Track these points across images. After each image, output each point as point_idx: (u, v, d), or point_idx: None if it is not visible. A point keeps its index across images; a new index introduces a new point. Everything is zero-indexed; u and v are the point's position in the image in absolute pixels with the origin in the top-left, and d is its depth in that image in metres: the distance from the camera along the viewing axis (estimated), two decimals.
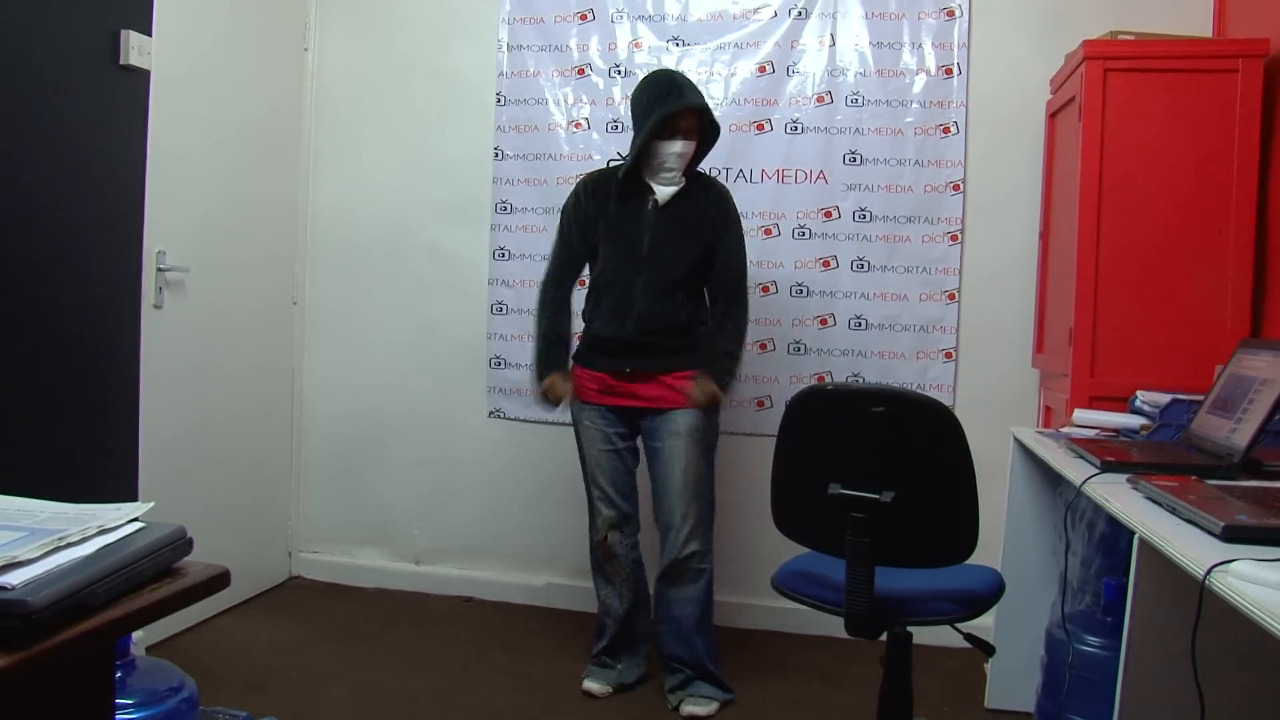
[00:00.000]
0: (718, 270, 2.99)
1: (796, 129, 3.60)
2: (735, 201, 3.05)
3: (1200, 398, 2.31)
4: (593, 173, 3.17)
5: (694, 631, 2.95)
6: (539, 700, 2.97)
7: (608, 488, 3.02)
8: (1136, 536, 1.61)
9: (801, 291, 3.61)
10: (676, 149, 2.88)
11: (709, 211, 2.98)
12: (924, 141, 3.53)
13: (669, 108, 2.85)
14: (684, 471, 2.91)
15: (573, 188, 3.13)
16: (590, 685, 3.01)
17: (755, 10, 3.64)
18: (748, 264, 3.06)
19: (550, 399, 3.05)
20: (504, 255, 3.85)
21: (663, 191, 2.94)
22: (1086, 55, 2.90)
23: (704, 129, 2.95)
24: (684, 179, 2.96)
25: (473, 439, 3.93)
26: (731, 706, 2.95)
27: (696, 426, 2.92)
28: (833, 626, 2.38)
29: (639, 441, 3.06)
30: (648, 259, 2.94)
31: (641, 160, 2.93)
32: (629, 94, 3.68)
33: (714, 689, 2.95)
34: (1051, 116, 3.34)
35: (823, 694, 3.07)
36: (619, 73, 3.74)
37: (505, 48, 3.84)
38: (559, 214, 3.11)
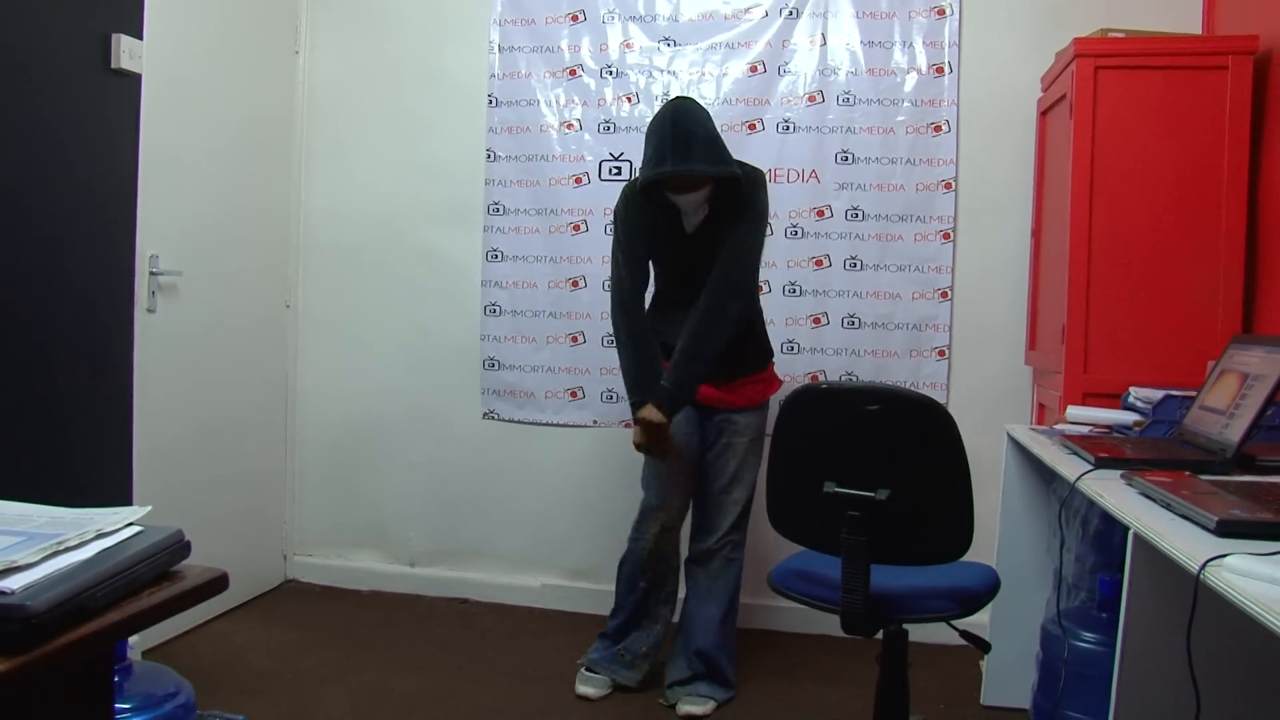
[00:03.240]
0: (721, 253, 2.85)
1: (788, 128, 3.60)
2: (764, 186, 2.91)
3: (1193, 393, 2.32)
4: (635, 181, 3.02)
5: (720, 624, 2.97)
6: (535, 701, 2.97)
7: (678, 480, 2.98)
8: (1131, 532, 1.62)
9: (794, 291, 3.61)
10: (683, 201, 2.85)
11: (749, 208, 2.88)
12: (915, 140, 3.54)
13: (644, 176, 2.82)
14: (740, 468, 2.97)
15: (620, 192, 3.03)
16: (584, 689, 3.00)
17: (746, 10, 3.65)
18: (753, 253, 2.92)
19: (651, 434, 2.84)
20: (497, 257, 3.85)
21: (690, 223, 2.92)
22: (1077, 53, 2.91)
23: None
24: (708, 211, 2.88)
25: (467, 441, 3.92)
26: (728, 706, 2.95)
27: (755, 429, 2.99)
28: (829, 625, 2.39)
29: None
30: (699, 273, 2.88)
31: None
32: (620, 94, 3.72)
33: (713, 687, 2.94)
34: (1043, 114, 3.35)
35: (819, 692, 3.08)
36: (610, 73, 3.74)
37: (496, 49, 3.84)
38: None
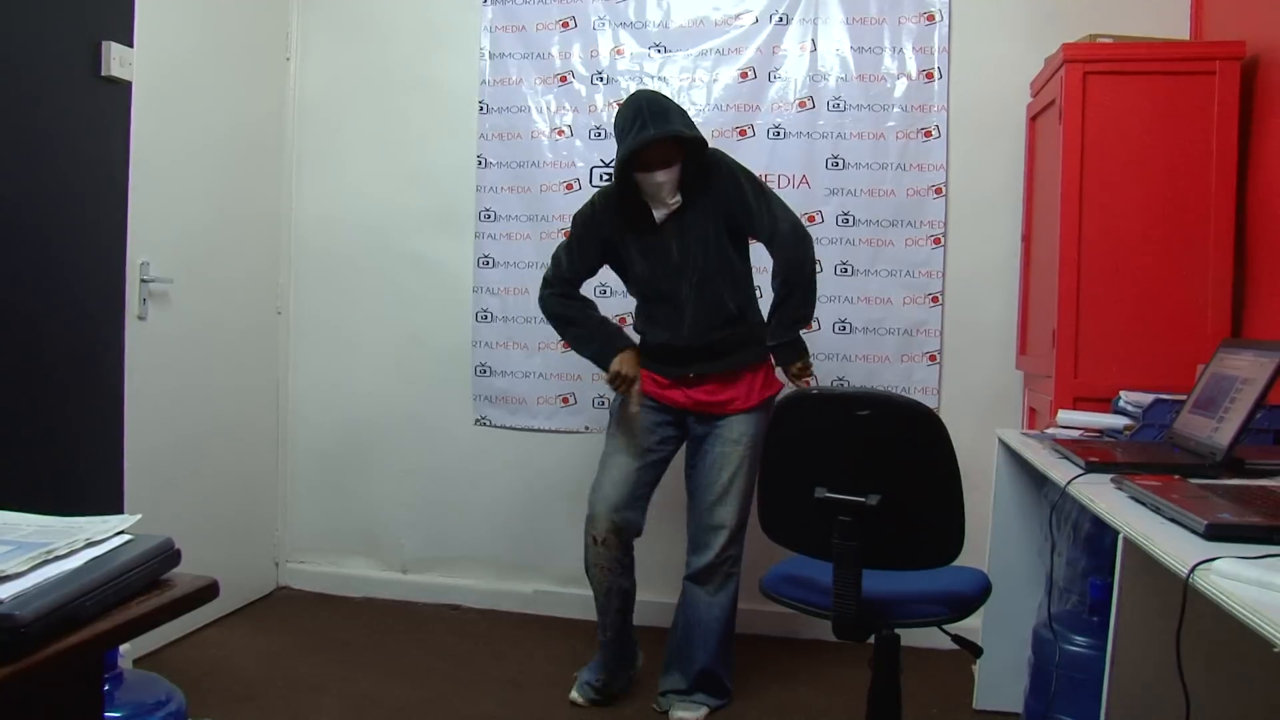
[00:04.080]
0: (763, 235, 2.91)
1: (779, 134, 3.61)
2: (728, 158, 2.95)
3: (1183, 397, 2.32)
4: (606, 187, 3.09)
5: (718, 639, 2.93)
6: (528, 708, 2.97)
7: (624, 488, 2.91)
8: (1121, 536, 1.62)
9: None
10: (655, 180, 2.83)
11: (724, 192, 2.89)
12: (906, 145, 3.55)
13: (628, 146, 2.79)
14: (733, 479, 2.88)
15: (589, 198, 3.08)
16: (578, 696, 2.99)
17: (736, 16, 3.66)
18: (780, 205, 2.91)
19: (625, 379, 2.90)
20: (488, 263, 3.85)
21: (660, 214, 2.90)
22: (1066, 58, 2.92)
23: (689, 143, 2.84)
24: (679, 197, 2.87)
25: (459, 447, 3.92)
26: (721, 712, 2.95)
27: (750, 436, 2.89)
28: (821, 630, 2.39)
29: (683, 446, 3.02)
30: (681, 264, 2.90)
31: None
32: (611, 101, 3.72)
33: (707, 695, 2.94)
34: (1032, 119, 3.36)
35: (812, 698, 3.08)
36: (601, 80, 3.75)
37: (487, 56, 3.84)
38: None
